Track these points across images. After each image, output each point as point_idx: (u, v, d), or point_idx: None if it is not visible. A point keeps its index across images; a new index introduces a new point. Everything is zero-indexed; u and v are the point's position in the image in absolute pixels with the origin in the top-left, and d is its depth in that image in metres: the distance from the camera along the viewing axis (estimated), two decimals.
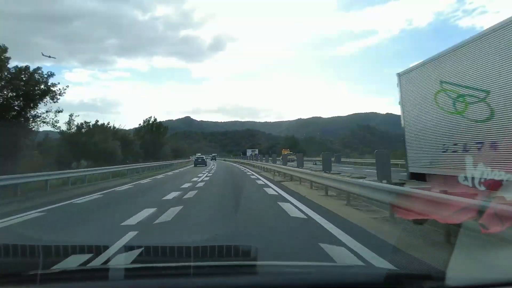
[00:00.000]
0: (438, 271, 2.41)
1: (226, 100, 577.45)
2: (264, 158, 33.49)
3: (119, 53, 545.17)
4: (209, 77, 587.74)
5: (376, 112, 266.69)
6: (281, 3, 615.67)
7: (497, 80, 6.63)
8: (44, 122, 19.28)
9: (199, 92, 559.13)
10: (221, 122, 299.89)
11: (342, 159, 44.32)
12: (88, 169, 20.45)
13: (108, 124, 33.26)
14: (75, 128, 26.30)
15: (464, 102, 7.59)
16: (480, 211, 4.05)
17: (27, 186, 14.64)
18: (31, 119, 19.02)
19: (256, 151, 73.45)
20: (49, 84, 19.06)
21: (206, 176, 22.75)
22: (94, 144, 25.70)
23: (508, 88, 6.37)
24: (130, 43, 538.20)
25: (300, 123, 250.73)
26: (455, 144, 7.93)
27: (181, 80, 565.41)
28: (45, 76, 19.00)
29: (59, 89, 19.51)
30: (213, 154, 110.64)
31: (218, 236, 5.73)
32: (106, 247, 3.57)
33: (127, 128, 46.61)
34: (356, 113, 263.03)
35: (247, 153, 74.55)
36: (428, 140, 9.28)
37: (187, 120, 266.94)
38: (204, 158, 56.83)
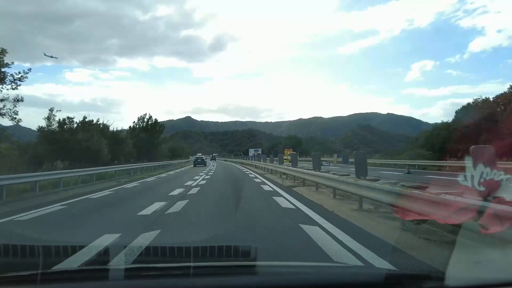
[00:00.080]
0: (438, 271, 2.68)
1: (227, 100, 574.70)
2: (268, 158, 30.32)
3: (120, 53, 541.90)
4: (210, 77, 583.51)
5: (377, 112, 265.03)
6: (282, 3, 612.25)
7: None
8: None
9: (200, 92, 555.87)
10: (222, 122, 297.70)
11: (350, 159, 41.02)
12: (64, 171, 17.27)
13: (98, 121, 30.17)
14: (56, 124, 23.21)
15: None
16: (480, 211, 3.97)
17: None
18: None
19: (259, 151, 69.39)
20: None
21: (203, 179, 19.61)
22: (78, 143, 22.49)
23: None
24: (131, 43, 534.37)
25: (301, 123, 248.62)
26: None
27: (182, 80, 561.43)
28: None
29: (18, 72, 15.69)
30: (214, 154, 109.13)
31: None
32: (106, 248, 3.44)
33: (126, 128, 44.18)
34: (357, 113, 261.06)
35: (249, 153, 70.11)
36: None
37: (188, 120, 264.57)
38: (204, 158, 55.97)
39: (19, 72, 15.77)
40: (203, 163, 46.88)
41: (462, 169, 5.29)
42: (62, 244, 2.92)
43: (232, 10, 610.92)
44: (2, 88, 15.36)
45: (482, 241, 4.10)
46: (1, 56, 15.39)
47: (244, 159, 58.79)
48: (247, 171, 29.63)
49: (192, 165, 45.76)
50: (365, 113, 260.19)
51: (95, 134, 24.93)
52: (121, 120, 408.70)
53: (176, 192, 13.09)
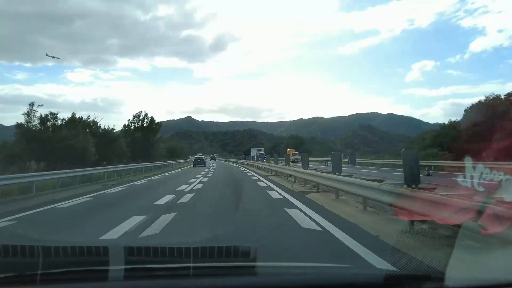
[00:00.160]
0: (438, 271, 2.60)
1: (227, 100, 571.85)
2: (271, 159, 27.66)
3: (121, 53, 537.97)
4: (210, 77, 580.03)
5: (377, 112, 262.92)
6: (282, 3, 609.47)
7: None
8: None
9: (201, 92, 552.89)
10: (223, 122, 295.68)
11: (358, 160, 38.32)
12: (37, 173, 14.71)
13: (89, 118, 27.52)
14: (37, 121, 20.61)
15: None
16: (480, 212, 3.87)
17: None
18: None
19: (262, 151, 66.06)
20: None
21: (200, 183, 17.06)
22: (60, 141, 19.87)
23: None
24: (132, 43, 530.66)
25: (302, 123, 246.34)
26: None
27: (182, 80, 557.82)
28: None
29: None
30: (214, 154, 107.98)
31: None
32: (106, 248, 2.94)
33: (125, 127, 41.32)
34: (357, 113, 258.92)
35: (251, 153, 66.50)
36: None
37: (189, 120, 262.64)
38: (204, 158, 54.95)
39: None
40: (202, 163, 46.10)
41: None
42: (61, 244, 2.69)
43: (233, 10, 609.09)
44: None
45: (482, 242, 4.00)
46: None
47: (245, 159, 55.79)
48: (249, 172, 26.98)
49: (192, 166, 44.59)
50: (366, 113, 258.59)
51: (80, 131, 22.21)
52: (122, 120, 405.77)
53: (164, 200, 10.55)
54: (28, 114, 20.06)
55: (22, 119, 20.47)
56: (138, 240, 5.62)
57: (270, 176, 21.04)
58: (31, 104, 20.51)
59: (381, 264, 3.98)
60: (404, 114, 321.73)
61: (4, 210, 9.31)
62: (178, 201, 10.24)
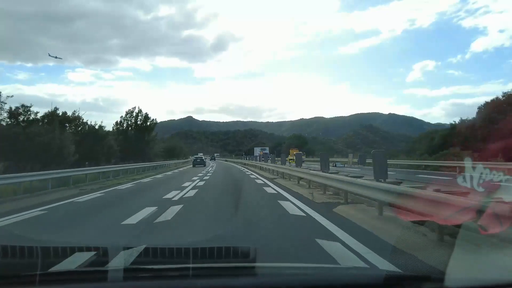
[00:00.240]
0: (437, 272, 2.62)
1: (228, 100, 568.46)
2: (277, 159, 24.41)
3: (122, 53, 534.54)
4: (211, 77, 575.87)
5: (378, 112, 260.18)
6: (283, 3, 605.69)
7: None
8: None
9: (202, 92, 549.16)
10: (223, 122, 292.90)
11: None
12: None
13: (75, 113, 24.28)
14: (6, 114, 17.50)
15: None
16: (480, 211, 3.82)
17: None
18: None
19: (267, 150, 62.12)
20: None
21: (194, 188, 13.96)
22: (32, 138, 16.73)
23: None
24: (133, 43, 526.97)
25: (302, 123, 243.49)
26: None
27: (183, 80, 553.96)
28: None
29: None
30: (215, 154, 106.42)
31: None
32: (105, 249, 3.10)
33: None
34: (358, 113, 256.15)
35: (254, 152, 62.33)
36: None
37: (189, 120, 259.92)
38: (204, 158, 53.28)
39: None
40: (202, 163, 44.12)
41: None
42: (61, 245, 2.72)
43: (234, 10, 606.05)
44: None
45: (482, 242, 3.87)
46: None
47: (246, 159, 52.30)
48: (252, 174, 23.68)
49: (190, 166, 42.46)
50: (367, 113, 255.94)
51: (57, 127, 18.95)
52: None
53: (142, 215, 7.49)
54: None
55: None
56: None
57: (277, 179, 17.92)
58: None
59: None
60: (405, 114, 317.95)
61: None
62: (157, 219, 7.12)
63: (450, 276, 1.92)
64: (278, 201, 9.49)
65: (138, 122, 38.23)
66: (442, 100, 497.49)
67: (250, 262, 2.24)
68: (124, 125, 37.70)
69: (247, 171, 27.49)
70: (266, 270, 2.04)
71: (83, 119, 24.58)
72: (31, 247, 2.45)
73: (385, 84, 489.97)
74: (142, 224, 6.67)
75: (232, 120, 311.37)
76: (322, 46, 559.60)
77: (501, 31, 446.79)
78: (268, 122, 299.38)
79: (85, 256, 2.83)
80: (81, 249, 2.86)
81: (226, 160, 77.33)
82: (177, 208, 8.54)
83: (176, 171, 30.86)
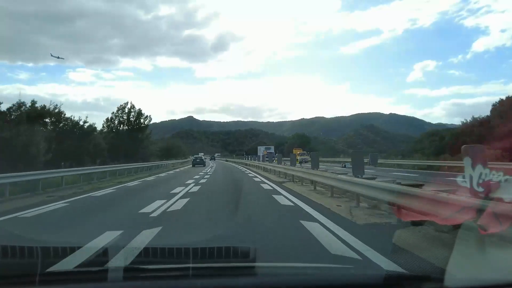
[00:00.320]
0: (437, 271, 2.62)
1: (229, 100, 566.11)
2: (285, 160, 21.24)
3: (123, 53, 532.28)
4: (212, 77, 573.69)
5: (379, 112, 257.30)
6: (284, 3, 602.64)
7: None
8: None
9: (202, 92, 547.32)
10: (224, 122, 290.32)
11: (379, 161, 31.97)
12: None
13: (56, 108, 21.06)
14: None
15: None
16: (480, 210, 3.85)
17: None
18: None
19: (272, 149, 58.08)
20: None
21: (184, 197, 10.92)
22: None
23: None
24: (134, 43, 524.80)
25: (303, 123, 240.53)
26: None
27: (184, 80, 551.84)
28: None
29: None
30: (217, 154, 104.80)
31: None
32: (105, 248, 3.22)
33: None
34: (359, 113, 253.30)
35: (258, 152, 58.24)
36: None
37: (190, 120, 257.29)
38: (203, 158, 51.51)
39: None
40: (202, 163, 42.24)
41: None
42: (60, 244, 2.63)
43: (235, 10, 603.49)
44: None
45: (482, 242, 3.73)
46: None
47: (247, 159, 48.92)
48: (255, 177, 20.42)
49: (189, 166, 40.22)
50: (368, 113, 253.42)
51: (24, 122, 15.76)
52: None
53: (105, 240, 4.61)
54: None
55: None
56: None
57: (286, 183, 14.90)
58: None
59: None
60: (406, 114, 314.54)
61: None
62: (129, 243, 4.16)
63: (450, 275, 1.96)
64: (301, 221, 6.41)
65: (131, 119, 34.61)
66: (443, 100, 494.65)
67: (250, 262, 2.14)
68: (116, 122, 34.16)
69: (250, 173, 24.27)
70: (266, 270, 2.00)
71: (64, 114, 21.58)
72: (31, 247, 2.34)
73: (386, 84, 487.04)
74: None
75: (233, 120, 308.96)
76: (323, 46, 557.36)
77: (502, 30, 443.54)
78: (268, 122, 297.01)
79: (85, 256, 2.66)
80: (80, 249, 2.67)
81: (226, 160, 74.20)
82: (152, 233, 5.56)
83: (171, 172, 27.72)
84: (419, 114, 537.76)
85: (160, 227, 6.03)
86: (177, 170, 32.25)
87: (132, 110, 34.96)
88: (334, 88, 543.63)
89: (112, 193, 12.79)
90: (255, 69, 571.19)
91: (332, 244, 4.73)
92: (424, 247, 4.48)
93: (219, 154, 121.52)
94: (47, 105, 20.13)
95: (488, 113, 41.40)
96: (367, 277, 1.84)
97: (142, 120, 35.43)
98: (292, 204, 8.73)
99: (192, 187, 13.96)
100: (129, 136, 32.08)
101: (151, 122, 36.47)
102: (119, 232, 5.67)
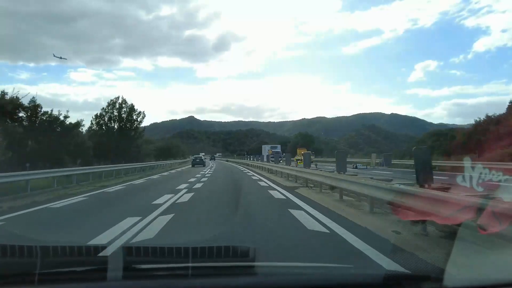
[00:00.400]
0: (437, 271, 2.45)
1: (230, 100, 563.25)
2: (298, 160, 18.25)
3: (124, 53, 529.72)
4: (213, 77, 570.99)
5: (380, 112, 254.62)
6: (285, 3, 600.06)
7: None
8: None
9: (203, 92, 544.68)
10: (225, 122, 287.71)
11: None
12: None
13: (33, 102, 18.07)
14: None
15: None
16: (480, 209, 3.68)
17: None
18: None
19: (278, 148, 54.24)
20: None
21: (168, 212, 8.11)
22: None
23: None
24: (135, 43, 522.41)
25: (304, 123, 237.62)
26: None
27: (185, 80, 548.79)
28: None
29: None
30: (218, 154, 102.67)
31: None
32: (104, 247, 3.16)
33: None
34: (360, 113, 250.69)
35: (262, 151, 54.54)
36: None
37: (191, 120, 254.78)
38: (203, 158, 50.14)
39: None
40: (201, 163, 41.00)
41: None
42: (60, 244, 2.37)
43: (236, 10, 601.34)
44: None
45: (482, 241, 3.69)
46: None
47: (249, 159, 45.25)
48: (260, 180, 17.33)
49: (187, 167, 38.98)
50: (369, 113, 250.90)
51: None
52: None
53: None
54: None
55: None
56: None
57: (299, 189, 12.01)
58: None
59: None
60: (408, 114, 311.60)
61: None
62: None
63: (450, 275, 1.92)
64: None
65: (123, 115, 31.22)
66: (444, 100, 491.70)
67: (250, 261, 2.00)
68: (106, 118, 30.75)
69: (254, 176, 21.25)
70: (266, 269, 1.95)
71: (41, 108, 18.66)
72: (30, 247, 2.15)
73: (387, 84, 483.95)
74: None
75: (234, 120, 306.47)
76: (323, 46, 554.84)
77: (503, 30, 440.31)
78: (269, 122, 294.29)
79: (84, 255, 2.37)
80: (80, 248, 2.38)
81: (227, 160, 71.29)
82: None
83: (165, 173, 24.82)
84: (420, 114, 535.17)
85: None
86: (174, 171, 29.34)
87: (123, 105, 31.57)
88: (335, 88, 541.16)
89: (87, 200, 10.03)
90: (256, 69, 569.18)
91: None
92: (424, 246, 4.42)
93: (220, 154, 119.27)
94: (20, 97, 17.21)
95: (494, 113, 39.14)
96: (366, 276, 1.80)
97: (134, 117, 32.14)
98: (324, 229, 5.75)
99: (185, 193, 11.09)
100: (120, 134, 29.23)
101: (151, 122, 33.95)
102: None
